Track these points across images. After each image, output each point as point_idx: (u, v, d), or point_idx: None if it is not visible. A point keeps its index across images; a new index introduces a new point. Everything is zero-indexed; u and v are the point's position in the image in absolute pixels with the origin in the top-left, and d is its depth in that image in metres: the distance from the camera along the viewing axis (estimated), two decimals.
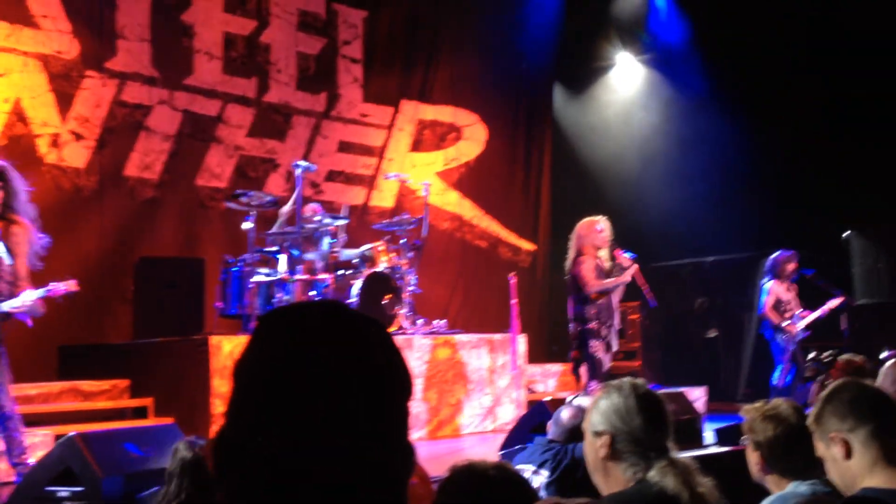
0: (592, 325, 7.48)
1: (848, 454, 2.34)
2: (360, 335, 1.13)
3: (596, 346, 7.46)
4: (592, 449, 2.43)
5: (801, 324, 8.61)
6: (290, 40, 10.22)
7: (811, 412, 2.49)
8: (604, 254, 7.65)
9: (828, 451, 2.39)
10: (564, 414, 4.37)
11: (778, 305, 8.67)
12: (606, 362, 7.65)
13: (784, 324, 8.60)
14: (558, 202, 12.34)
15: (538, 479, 4.10)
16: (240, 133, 9.74)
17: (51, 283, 5.37)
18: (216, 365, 6.68)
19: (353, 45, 10.77)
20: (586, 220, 7.83)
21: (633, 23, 12.34)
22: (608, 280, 7.54)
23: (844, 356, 5.72)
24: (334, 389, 1.08)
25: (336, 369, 1.09)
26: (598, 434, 2.41)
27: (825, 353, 6.16)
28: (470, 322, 10.16)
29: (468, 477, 2.06)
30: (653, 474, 2.31)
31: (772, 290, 8.73)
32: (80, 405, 6.81)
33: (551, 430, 4.37)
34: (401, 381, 1.15)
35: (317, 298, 7.11)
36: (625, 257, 7.66)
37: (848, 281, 10.01)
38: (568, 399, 5.28)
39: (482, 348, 8.37)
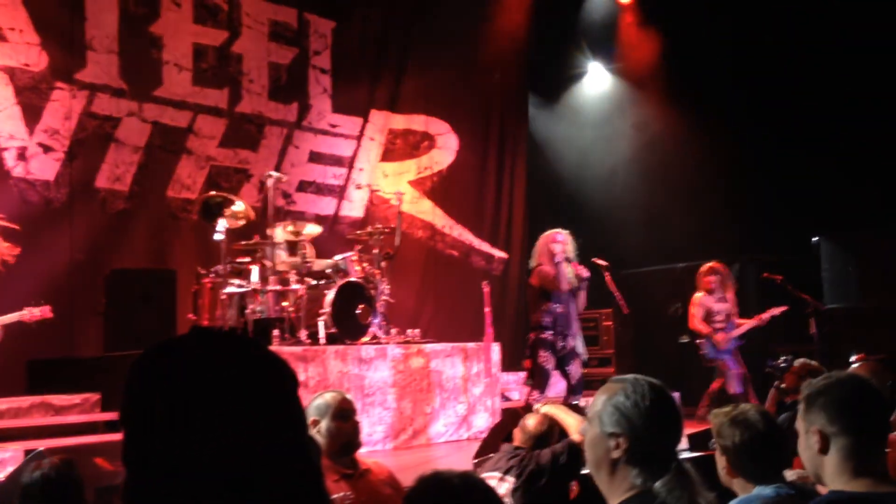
0: (545, 334, 7.52)
1: (824, 450, 2.36)
2: (229, 353, 1.14)
3: (545, 357, 7.48)
4: (603, 448, 2.25)
5: (735, 333, 8.78)
6: (261, 50, 10.20)
7: (805, 390, 2.46)
8: (564, 267, 7.72)
9: (806, 435, 2.40)
10: (530, 421, 4.39)
11: (708, 317, 8.86)
12: (575, 374, 7.68)
13: (713, 334, 8.78)
14: (532, 210, 12.39)
15: (504, 485, 4.12)
16: (211, 144, 9.70)
17: (26, 309, 5.33)
18: None
19: (322, 55, 10.77)
20: (547, 232, 7.90)
21: (602, 32, 12.43)
22: (558, 278, 7.56)
23: (800, 360, 5.78)
24: (218, 412, 1.09)
25: (213, 392, 1.10)
26: (611, 435, 2.24)
27: (781, 359, 6.23)
28: (443, 331, 10.16)
29: (433, 486, 2.06)
30: (658, 486, 2.18)
31: (700, 302, 8.96)
32: (51, 420, 6.74)
33: (517, 437, 4.39)
34: (281, 383, 1.15)
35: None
36: (583, 268, 7.75)
37: (817, 286, 10.13)
38: (535, 407, 5.30)
39: (456, 357, 8.38)
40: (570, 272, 7.72)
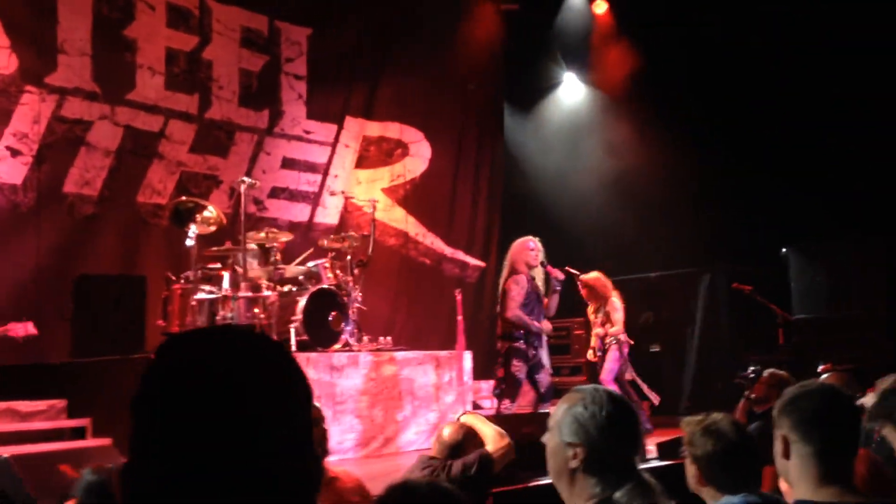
0: (518, 343, 7.53)
1: (786, 455, 2.39)
2: (255, 356, 1.14)
3: (518, 367, 7.49)
4: (562, 458, 2.31)
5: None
6: (232, 57, 10.16)
7: (783, 395, 2.49)
8: (537, 272, 7.74)
9: (776, 439, 2.43)
10: (446, 431, 4.35)
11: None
12: (544, 382, 7.69)
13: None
14: (506, 218, 12.43)
15: None
16: (182, 149, 9.63)
17: (10, 324, 5.27)
18: None
19: (296, 62, 10.74)
20: (519, 240, 7.90)
21: (577, 43, 12.51)
22: (528, 319, 7.53)
23: (769, 370, 5.82)
24: (234, 413, 1.08)
25: (233, 392, 1.09)
26: (569, 444, 2.30)
27: (750, 369, 6.27)
28: (416, 339, 10.14)
29: (401, 494, 2.06)
30: (619, 495, 2.23)
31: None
32: (16, 426, 6.64)
33: (433, 446, 4.36)
34: (298, 396, 1.15)
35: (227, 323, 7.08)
36: (557, 271, 7.74)
37: (786, 296, 10.22)
38: (450, 416, 5.28)
39: (428, 365, 8.36)
40: (542, 276, 7.74)
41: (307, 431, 1.15)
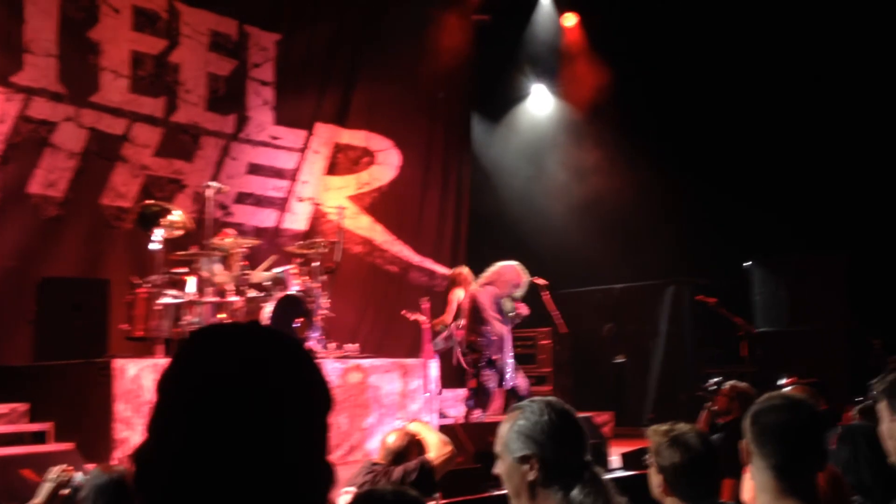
0: (487, 354, 7.65)
1: (749, 466, 2.43)
2: (284, 354, 1.15)
3: (488, 376, 7.60)
4: (517, 475, 2.28)
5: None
6: (200, 61, 10.10)
7: (750, 409, 2.52)
8: (506, 302, 7.96)
9: (741, 450, 2.47)
10: (390, 437, 4.44)
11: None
12: (522, 386, 7.80)
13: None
14: (473, 227, 12.47)
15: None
16: (146, 152, 9.56)
17: None
18: (119, 389, 6.52)
19: (263, 67, 10.69)
20: (515, 265, 8.10)
21: (546, 55, 12.59)
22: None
23: (729, 383, 5.89)
24: (258, 408, 1.09)
25: (261, 388, 1.10)
26: (523, 459, 2.28)
27: (711, 381, 6.35)
28: (382, 346, 10.13)
29: (368, 502, 2.07)
30: (576, 493, 2.24)
31: None
32: None
33: (377, 452, 4.43)
34: (321, 399, 1.16)
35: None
36: (524, 307, 7.97)
37: (750, 309, 10.35)
38: (395, 423, 5.35)
39: (394, 373, 8.36)
40: (510, 307, 7.95)
41: (325, 434, 1.16)
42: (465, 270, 9.17)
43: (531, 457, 2.27)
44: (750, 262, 10.71)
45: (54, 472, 3.39)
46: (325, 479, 1.16)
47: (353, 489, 4.12)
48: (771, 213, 10.22)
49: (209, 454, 1.07)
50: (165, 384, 1.13)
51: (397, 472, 4.19)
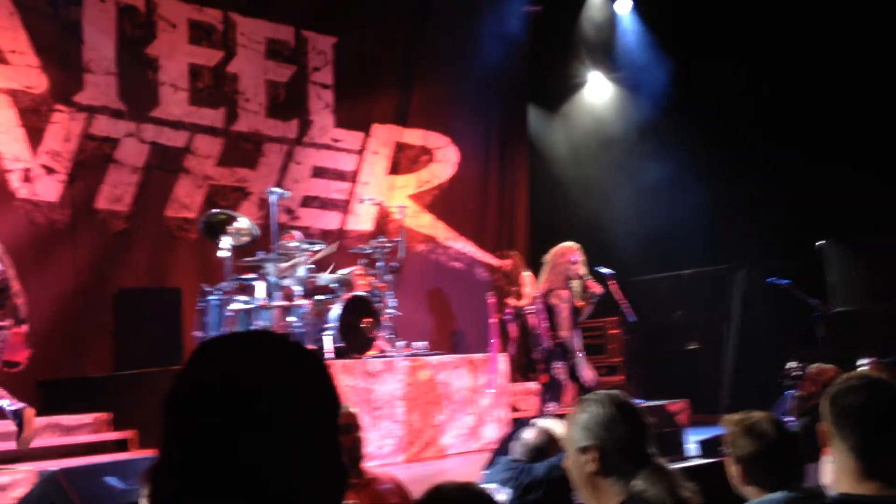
0: (558, 349, 7.62)
1: (829, 448, 2.37)
2: (289, 361, 1.16)
3: (558, 368, 7.57)
4: (579, 466, 2.36)
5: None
6: (258, 69, 10.23)
7: (828, 389, 2.47)
8: (576, 284, 7.82)
9: (820, 432, 2.41)
10: (527, 434, 4.44)
11: None
12: (589, 377, 7.76)
13: None
14: (536, 219, 12.41)
15: (499, 497, 4.16)
16: (208, 163, 9.72)
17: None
18: None
19: (323, 71, 10.80)
20: (561, 247, 7.97)
21: (601, 41, 12.48)
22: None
23: (815, 365, 5.76)
24: (264, 417, 1.10)
25: (266, 396, 1.11)
26: (584, 450, 2.35)
27: (791, 365, 6.20)
28: (450, 343, 10.16)
29: (432, 500, 2.10)
30: (638, 483, 2.28)
31: None
32: (62, 440, 6.74)
33: (515, 449, 4.43)
34: (329, 405, 1.17)
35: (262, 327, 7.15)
36: (597, 285, 7.83)
37: (823, 290, 10.12)
38: (532, 420, 5.35)
39: (463, 368, 8.37)
40: (579, 289, 7.83)
41: (330, 440, 1.16)
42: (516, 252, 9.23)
43: (590, 448, 2.33)
44: (823, 242, 10.46)
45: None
46: (337, 483, 1.17)
47: (494, 485, 4.15)
48: (843, 192, 9.95)
49: (210, 466, 1.09)
50: (165, 404, 1.15)
51: (540, 467, 4.22)
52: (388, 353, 8.12)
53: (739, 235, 10.77)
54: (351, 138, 11.02)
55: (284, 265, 7.96)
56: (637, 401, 2.75)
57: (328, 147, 10.81)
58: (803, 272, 9.77)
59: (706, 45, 10.84)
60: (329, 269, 8.48)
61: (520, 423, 6.40)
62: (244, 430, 1.09)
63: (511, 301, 9.29)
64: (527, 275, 9.03)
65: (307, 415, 1.13)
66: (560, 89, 12.92)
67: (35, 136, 8.39)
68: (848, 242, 10.35)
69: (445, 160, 11.88)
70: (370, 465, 4.62)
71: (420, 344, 8.68)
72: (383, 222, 11.00)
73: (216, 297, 7.65)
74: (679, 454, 6.40)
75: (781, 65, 10.41)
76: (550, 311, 7.73)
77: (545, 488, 4.17)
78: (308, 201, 10.56)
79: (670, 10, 11.31)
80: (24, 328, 5.96)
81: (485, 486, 4.10)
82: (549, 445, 4.36)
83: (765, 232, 10.58)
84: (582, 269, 7.94)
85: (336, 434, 1.17)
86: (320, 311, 7.94)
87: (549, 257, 8.17)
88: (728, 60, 10.68)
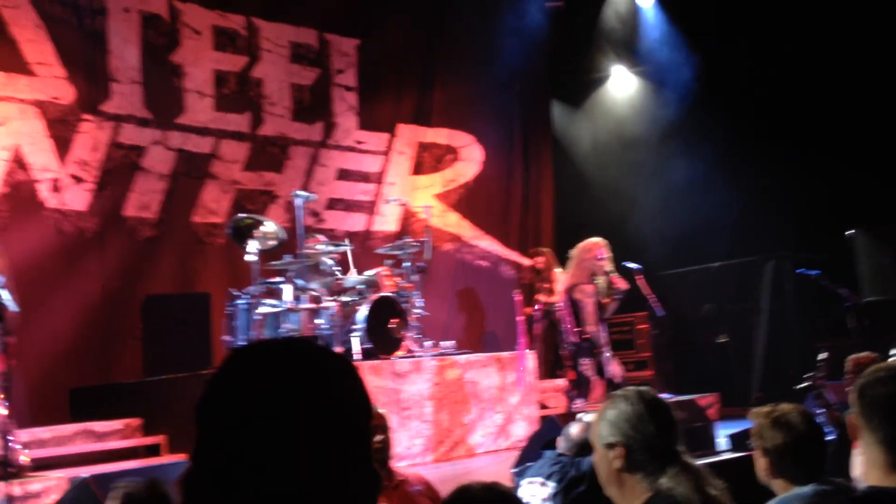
0: (585, 344, 7.61)
1: (858, 441, 2.34)
2: (319, 368, 1.16)
3: (586, 365, 7.55)
4: (605, 462, 2.37)
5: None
6: (282, 73, 10.28)
7: (857, 382, 2.43)
8: (601, 280, 7.79)
9: (848, 424, 2.38)
10: (573, 429, 4.45)
11: None
12: (616, 373, 7.74)
13: None
14: (561, 215, 12.37)
15: (545, 490, 4.16)
16: (235, 168, 9.78)
17: None
18: None
19: (346, 73, 10.84)
20: (587, 243, 7.94)
21: (623, 35, 12.41)
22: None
23: (853, 356, 5.69)
24: (296, 425, 1.11)
25: (297, 404, 1.12)
26: (610, 446, 2.35)
27: (822, 356, 6.12)
28: (478, 341, 10.15)
29: (458, 500, 2.10)
30: (664, 481, 2.28)
31: None
32: (94, 446, 6.81)
33: (561, 444, 4.45)
34: (360, 411, 1.18)
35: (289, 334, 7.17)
36: (622, 281, 7.80)
37: (853, 280, 10.00)
38: (578, 415, 5.35)
39: (491, 367, 8.36)
40: (605, 285, 7.81)
41: (362, 444, 1.17)
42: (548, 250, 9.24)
43: (616, 444, 2.33)
44: (852, 232, 10.34)
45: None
46: (369, 488, 1.17)
47: (539, 479, 4.17)
48: (871, 181, 9.84)
49: (242, 473, 1.09)
50: (197, 410, 1.16)
51: (586, 462, 4.23)
52: (416, 353, 8.13)
53: (768, 227, 10.67)
54: (375, 139, 11.05)
55: (312, 269, 8.00)
56: (666, 396, 2.75)
57: (352, 149, 10.84)
58: (833, 262, 9.66)
59: (729, 36, 10.75)
60: (355, 272, 8.51)
61: (548, 421, 6.40)
62: (276, 438, 1.10)
63: (542, 297, 9.28)
64: (559, 271, 9.02)
65: (339, 422, 1.14)
66: (583, 84, 12.86)
67: (63, 145, 8.49)
68: (877, 232, 10.21)
69: (470, 158, 11.87)
70: (399, 466, 4.64)
71: (448, 343, 8.69)
72: (409, 222, 11.02)
73: (244, 301, 7.69)
74: (710, 449, 6.36)
75: (806, 56, 10.30)
76: (575, 307, 7.70)
77: (590, 482, 4.18)
78: (333, 203, 10.59)
79: (692, 1, 11.23)
80: None
81: (529, 481, 4.12)
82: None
83: (794, 223, 10.47)
84: (608, 266, 7.92)
85: (368, 440, 1.18)
86: (348, 313, 7.97)
87: (575, 252, 8.16)
88: (752, 51, 10.59)
